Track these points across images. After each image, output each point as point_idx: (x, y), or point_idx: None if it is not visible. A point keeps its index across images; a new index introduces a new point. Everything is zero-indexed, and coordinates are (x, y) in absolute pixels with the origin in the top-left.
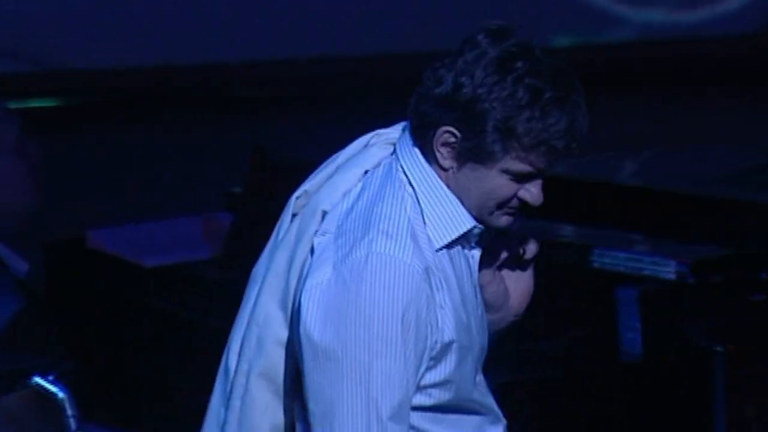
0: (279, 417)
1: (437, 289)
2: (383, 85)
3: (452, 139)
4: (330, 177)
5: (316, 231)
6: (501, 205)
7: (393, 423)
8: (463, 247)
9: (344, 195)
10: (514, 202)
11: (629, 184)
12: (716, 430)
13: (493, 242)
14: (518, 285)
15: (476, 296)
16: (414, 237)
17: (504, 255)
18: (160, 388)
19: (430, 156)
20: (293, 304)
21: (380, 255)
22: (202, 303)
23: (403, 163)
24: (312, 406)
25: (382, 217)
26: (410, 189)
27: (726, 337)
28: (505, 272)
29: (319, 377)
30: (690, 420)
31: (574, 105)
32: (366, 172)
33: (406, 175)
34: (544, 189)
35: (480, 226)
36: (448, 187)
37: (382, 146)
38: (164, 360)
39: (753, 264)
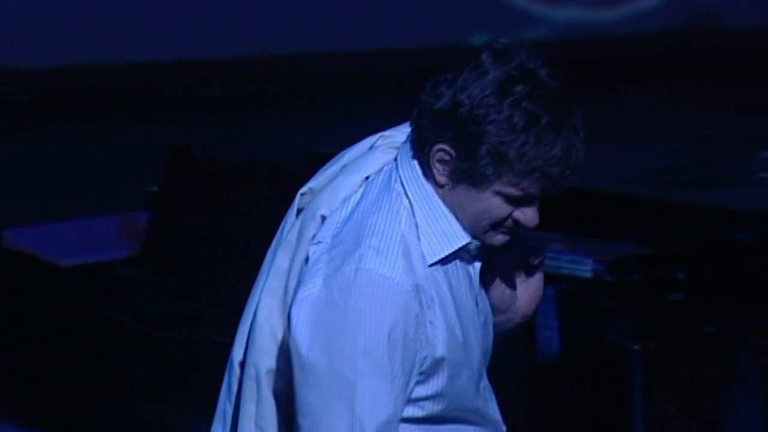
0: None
1: (428, 306)
2: (316, 84)
3: (447, 158)
4: (333, 178)
5: (314, 236)
6: (495, 226)
7: None
8: (462, 260)
9: (344, 200)
10: (509, 223)
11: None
12: (634, 428)
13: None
14: (526, 288)
15: (477, 305)
16: (406, 253)
17: (511, 258)
18: (77, 386)
19: (427, 170)
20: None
21: (368, 272)
22: (118, 301)
23: (401, 174)
24: (300, 419)
25: (375, 231)
26: (406, 202)
27: (643, 335)
28: (513, 275)
29: (306, 391)
30: (608, 418)
31: (571, 131)
32: (368, 177)
33: (404, 187)
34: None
35: (476, 241)
36: (444, 202)
37: (385, 150)
38: (81, 358)
39: (670, 263)
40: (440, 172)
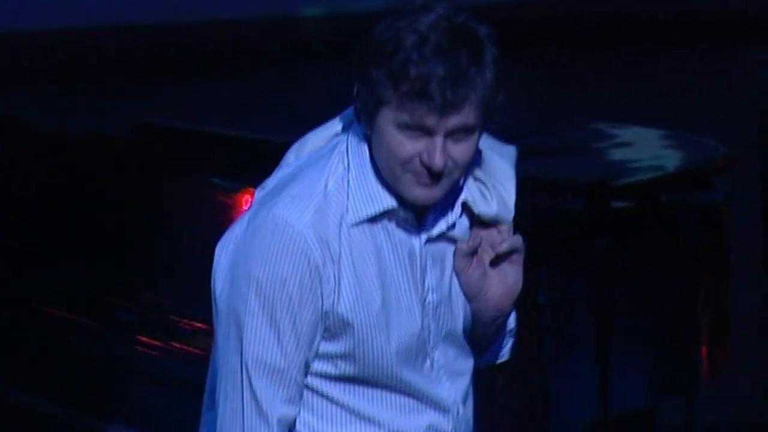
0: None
1: (333, 261)
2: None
3: (358, 96)
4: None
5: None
6: (405, 169)
7: (264, 385)
8: (402, 229)
9: (310, 152)
10: (417, 166)
11: None
12: None
13: (471, 230)
14: (502, 280)
15: (423, 282)
16: (321, 207)
17: (474, 245)
18: None
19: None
20: None
21: (275, 217)
22: None
23: (350, 137)
24: (216, 357)
25: (302, 180)
26: (346, 161)
27: None
28: (488, 262)
29: (217, 330)
30: None
31: (455, 54)
32: (336, 134)
33: (347, 148)
34: None
35: (405, 210)
36: (374, 162)
37: (354, 116)
38: None
39: None
40: (361, 120)
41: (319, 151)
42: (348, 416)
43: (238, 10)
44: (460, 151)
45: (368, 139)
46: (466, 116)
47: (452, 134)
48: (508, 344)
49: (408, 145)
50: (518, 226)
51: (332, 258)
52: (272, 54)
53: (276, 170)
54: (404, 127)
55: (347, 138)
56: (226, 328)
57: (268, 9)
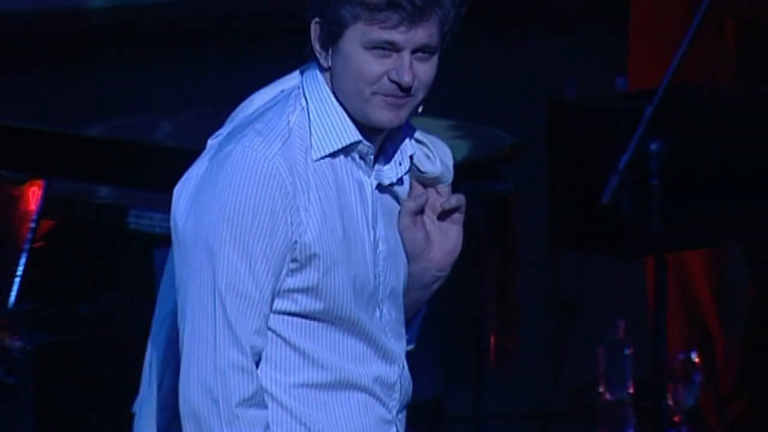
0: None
1: (302, 190)
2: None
3: (318, 30)
4: None
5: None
6: (374, 90)
7: (237, 313)
8: (359, 170)
9: (257, 109)
10: (386, 85)
11: (165, 144)
12: None
13: (413, 190)
14: (444, 240)
15: (374, 228)
16: (286, 140)
17: (421, 202)
18: None
19: (322, 69)
20: None
21: (244, 147)
22: None
23: (303, 81)
24: (177, 296)
25: (263, 119)
26: (303, 102)
27: None
28: (431, 224)
29: (181, 267)
30: None
31: None
32: (282, 91)
33: (303, 89)
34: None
35: (367, 143)
36: (335, 95)
37: (301, 72)
38: None
39: None
40: (321, 54)
41: (272, 100)
42: (301, 362)
43: (22, 1)
44: (424, 70)
45: (327, 74)
46: (430, 33)
47: (417, 52)
48: (416, 330)
49: (375, 65)
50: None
51: (301, 187)
52: (57, 45)
53: (224, 126)
54: (371, 46)
55: (301, 83)
56: (194, 263)
57: (52, 1)
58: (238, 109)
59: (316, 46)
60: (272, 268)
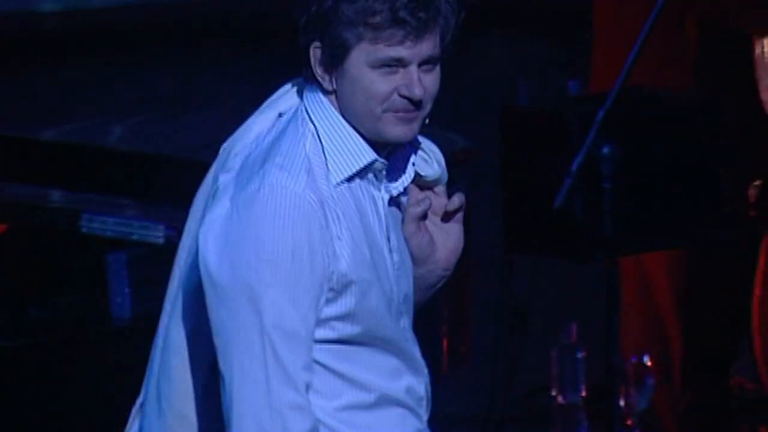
0: (186, 359)
1: (333, 221)
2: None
3: (319, 53)
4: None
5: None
6: (385, 108)
7: (287, 353)
8: (371, 186)
9: (257, 137)
10: (397, 101)
11: (117, 148)
12: None
13: (411, 194)
14: (446, 239)
15: (389, 241)
16: (309, 171)
17: (425, 206)
18: None
19: (323, 93)
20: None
21: (272, 185)
22: None
23: (306, 104)
24: (216, 340)
25: (280, 151)
26: (311, 126)
27: None
28: (432, 226)
29: (219, 310)
30: None
31: None
32: (280, 115)
33: (308, 114)
34: (42, 154)
35: (382, 160)
36: (344, 117)
37: (297, 91)
38: None
39: None
40: (323, 78)
41: (275, 128)
42: (342, 385)
43: None
44: (430, 81)
45: (332, 96)
46: (434, 44)
47: (422, 65)
48: None
49: (384, 83)
50: None
51: (332, 217)
52: (8, 49)
53: (224, 161)
54: (379, 65)
55: (303, 106)
56: (235, 306)
57: (2, 4)
58: (235, 137)
59: (318, 71)
60: (314, 302)
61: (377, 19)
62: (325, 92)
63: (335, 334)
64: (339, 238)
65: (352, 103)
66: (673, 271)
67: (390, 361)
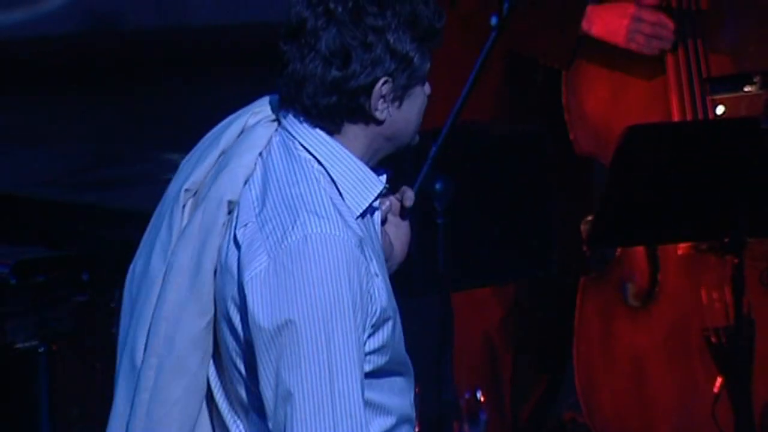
0: (189, 412)
1: (370, 258)
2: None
3: (390, 88)
4: (220, 165)
5: (231, 223)
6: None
7: (358, 397)
8: (368, 211)
9: (246, 182)
10: None
11: None
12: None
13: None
14: (398, 233)
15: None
16: (339, 212)
17: (387, 209)
18: None
19: (338, 128)
20: (222, 297)
21: (318, 235)
22: None
23: (302, 143)
24: (269, 393)
25: (305, 198)
26: (318, 166)
27: (48, 337)
28: (390, 225)
29: (273, 363)
30: (15, 421)
31: None
32: (260, 154)
33: (310, 153)
34: None
35: (385, 183)
36: (354, 150)
37: (265, 125)
38: None
39: (74, 265)
40: (381, 109)
41: (274, 172)
42: (370, 413)
43: None
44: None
45: (357, 127)
46: None
47: None
48: None
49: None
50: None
51: (369, 255)
52: None
53: (226, 209)
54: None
55: (301, 146)
56: (298, 357)
57: None
58: (219, 184)
59: (378, 104)
60: (363, 344)
61: (431, 40)
62: (330, 131)
63: (369, 367)
64: (376, 275)
65: (408, 124)
66: (501, 301)
67: (401, 380)
